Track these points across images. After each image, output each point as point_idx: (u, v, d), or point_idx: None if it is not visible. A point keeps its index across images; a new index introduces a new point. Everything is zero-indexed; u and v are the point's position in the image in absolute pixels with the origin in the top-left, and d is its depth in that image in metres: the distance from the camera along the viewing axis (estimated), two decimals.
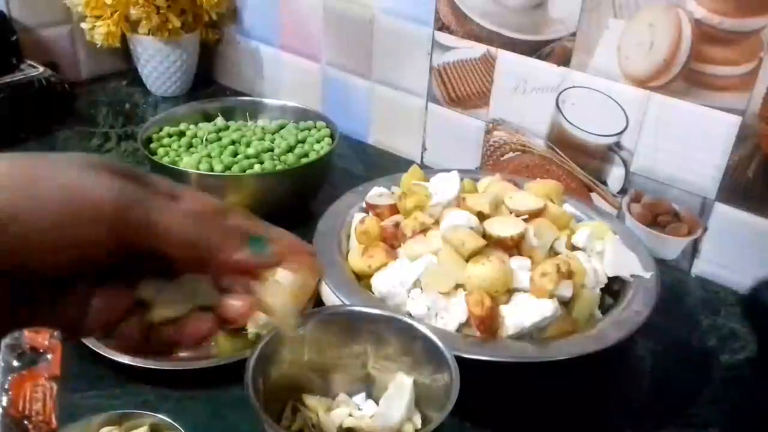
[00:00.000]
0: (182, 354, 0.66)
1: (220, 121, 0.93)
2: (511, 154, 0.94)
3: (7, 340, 0.30)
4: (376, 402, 0.57)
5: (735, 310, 0.77)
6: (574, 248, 0.68)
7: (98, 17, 1.11)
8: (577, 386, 0.65)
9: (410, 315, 0.62)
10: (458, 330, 0.61)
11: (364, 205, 0.75)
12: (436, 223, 0.66)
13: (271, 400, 0.53)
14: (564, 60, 0.84)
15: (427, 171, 0.77)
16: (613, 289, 0.67)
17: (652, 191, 0.82)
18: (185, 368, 0.64)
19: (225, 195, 0.80)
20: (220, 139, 0.88)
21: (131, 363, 0.62)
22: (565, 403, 0.64)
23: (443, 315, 0.61)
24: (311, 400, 0.56)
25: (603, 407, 0.64)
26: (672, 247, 0.83)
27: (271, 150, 0.87)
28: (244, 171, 0.82)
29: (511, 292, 0.62)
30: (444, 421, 0.48)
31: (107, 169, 0.32)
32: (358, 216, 0.74)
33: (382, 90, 1.04)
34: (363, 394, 0.57)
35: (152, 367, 0.63)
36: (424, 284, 0.62)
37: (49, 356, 0.30)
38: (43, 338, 0.30)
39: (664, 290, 0.67)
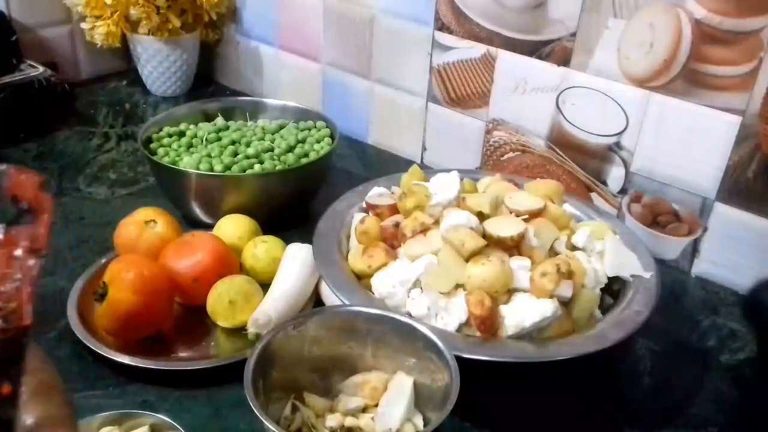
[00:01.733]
0: (182, 354, 0.66)
1: (220, 121, 0.93)
2: (511, 154, 0.94)
3: None
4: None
5: (735, 310, 0.77)
6: (574, 248, 0.67)
7: (98, 17, 1.11)
8: (577, 386, 0.65)
9: (410, 315, 0.62)
10: (458, 330, 0.61)
11: (364, 205, 0.75)
12: (436, 223, 0.66)
13: (271, 400, 0.53)
14: (564, 60, 0.84)
15: (427, 171, 0.77)
16: (613, 289, 0.67)
17: (652, 191, 0.82)
18: (185, 368, 0.64)
19: (225, 195, 0.80)
20: (220, 139, 0.88)
21: (131, 363, 0.63)
22: (565, 403, 0.64)
23: (443, 315, 0.61)
24: (311, 399, 0.56)
25: (603, 407, 0.64)
26: (672, 247, 0.83)
27: (271, 150, 0.87)
28: (244, 171, 0.82)
29: (511, 292, 0.62)
30: (444, 421, 0.48)
31: None
32: (358, 216, 0.74)
33: (382, 90, 1.04)
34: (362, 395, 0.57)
35: (152, 367, 0.63)
36: (424, 284, 0.62)
37: (35, 217, 0.21)
38: (31, 185, 0.21)
39: (664, 290, 0.67)
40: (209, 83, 1.28)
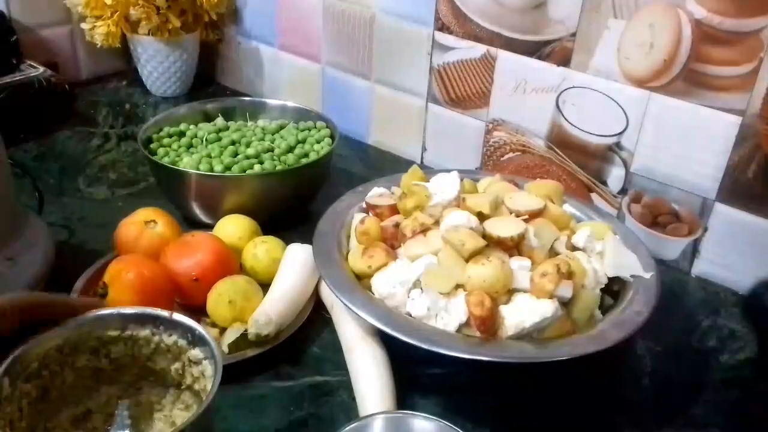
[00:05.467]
0: None
1: (220, 121, 0.93)
2: (511, 155, 0.94)
3: None
4: None
5: (735, 310, 0.77)
6: (574, 248, 0.67)
7: (98, 17, 1.11)
8: (577, 386, 0.65)
9: (410, 315, 0.62)
10: (458, 330, 0.60)
11: (364, 205, 0.75)
12: (436, 223, 0.66)
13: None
14: (564, 60, 0.84)
15: (427, 171, 0.77)
16: (613, 289, 0.67)
17: (652, 191, 0.82)
18: None
19: (225, 195, 0.80)
20: (220, 139, 0.88)
21: None
22: (565, 403, 0.64)
23: (443, 315, 0.61)
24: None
25: (603, 407, 0.64)
26: (672, 247, 0.83)
27: (271, 150, 0.87)
28: (244, 171, 0.82)
29: (511, 292, 0.62)
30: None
31: None
32: (358, 216, 0.74)
33: (382, 90, 1.04)
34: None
35: None
36: (424, 284, 0.62)
37: None
38: None
39: (664, 290, 0.67)
40: (209, 83, 1.28)
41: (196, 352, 0.51)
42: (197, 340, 0.50)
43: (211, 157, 0.84)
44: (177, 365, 0.53)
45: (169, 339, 0.52)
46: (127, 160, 1.01)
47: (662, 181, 0.81)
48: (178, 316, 0.51)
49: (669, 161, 0.79)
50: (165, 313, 0.51)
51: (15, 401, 0.47)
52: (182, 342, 0.51)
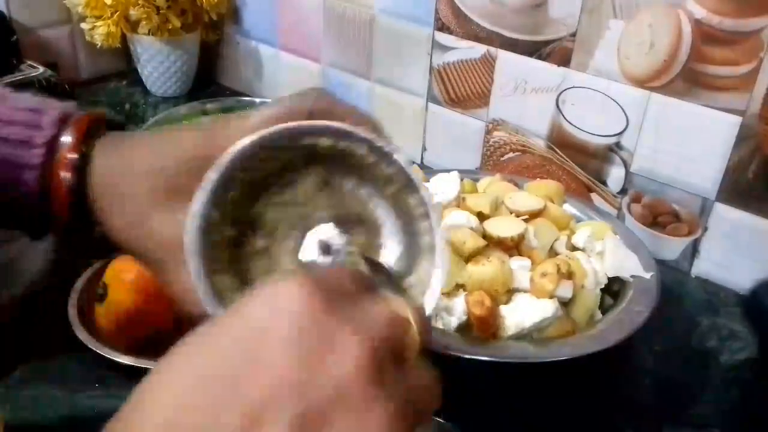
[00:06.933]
0: None
1: None
2: (511, 155, 0.94)
3: None
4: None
5: (735, 310, 0.77)
6: (574, 248, 0.67)
7: (98, 17, 1.11)
8: (578, 386, 0.65)
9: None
10: (458, 330, 0.60)
11: None
12: None
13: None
14: (564, 60, 0.84)
15: (427, 171, 0.77)
16: (613, 289, 0.67)
17: (652, 191, 0.82)
18: None
19: None
20: None
21: (131, 363, 0.62)
22: (566, 403, 0.64)
23: (443, 315, 0.61)
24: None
25: (603, 407, 0.64)
26: (672, 247, 0.83)
27: None
28: None
29: (511, 292, 0.62)
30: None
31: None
32: None
33: (382, 90, 1.04)
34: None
35: (152, 367, 0.63)
36: None
37: None
38: None
39: (664, 290, 0.67)
40: (209, 83, 1.28)
41: (412, 200, 0.42)
42: (415, 191, 0.42)
43: None
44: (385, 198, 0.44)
45: (387, 169, 0.42)
46: None
47: (662, 181, 0.81)
48: (400, 157, 0.42)
49: (669, 161, 0.79)
50: (386, 145, 0.42)
51: (225, 217, 0.42)
52: (398, 181, 0.42)
